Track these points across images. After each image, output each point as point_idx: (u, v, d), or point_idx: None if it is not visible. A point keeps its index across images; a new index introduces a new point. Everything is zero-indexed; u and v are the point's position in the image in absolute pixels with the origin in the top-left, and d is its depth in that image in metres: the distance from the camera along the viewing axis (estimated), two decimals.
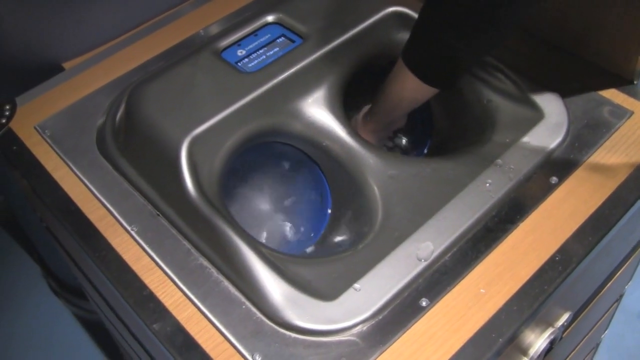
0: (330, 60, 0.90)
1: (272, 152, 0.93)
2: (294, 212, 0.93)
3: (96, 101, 0.96)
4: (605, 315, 1.29)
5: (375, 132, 0.96)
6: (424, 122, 1.03)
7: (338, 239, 0.86)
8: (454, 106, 0.95)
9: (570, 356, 1.19)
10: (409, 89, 0.83)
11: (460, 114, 0.94)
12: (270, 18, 0.97)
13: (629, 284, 1.27)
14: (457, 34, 0.73)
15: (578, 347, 1.22)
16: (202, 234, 0.76)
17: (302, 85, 0.88)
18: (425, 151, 1.02)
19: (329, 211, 0.89)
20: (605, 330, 1.43)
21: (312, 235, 0.90)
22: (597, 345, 1.51)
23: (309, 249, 0.89)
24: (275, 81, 0.86)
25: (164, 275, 0.75)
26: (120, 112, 0.89)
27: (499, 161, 0.81)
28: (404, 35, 0.94)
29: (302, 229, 0.92)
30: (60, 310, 1.79)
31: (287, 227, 0.93)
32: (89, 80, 1.00)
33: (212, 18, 1.08)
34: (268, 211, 0.93)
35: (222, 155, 0.82)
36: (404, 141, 1.04)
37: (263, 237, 0.91)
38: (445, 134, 0.99)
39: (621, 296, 1.31)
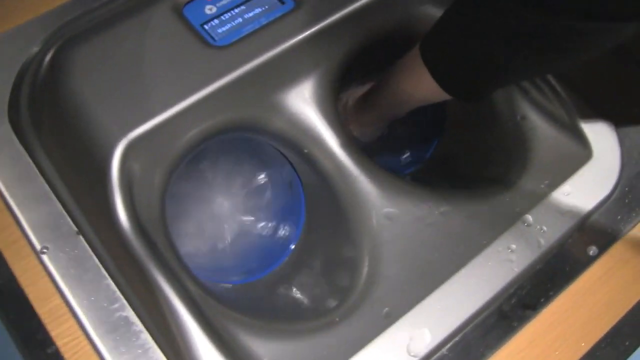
0: (328, 38, 0.68)
1: (241, 147, 0.72)
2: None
3: (22, 38, 0.72)
4: None
5: (370, 125, 0.76)
6: (435, 115, 0.82)
7: (302, 280, 0.68)
8: (476, 111, 0.75)
9: None
10: (422, 89, 0.63)
11: (483, 124, 0.74)
12: None
13: None
14: (508, 47, 0.52)
15: None
16: (130, 278, 0.58)
17: (287, 70, 0.66)
18: (429, 155, 0.82)
19: (292, 246, 0.71)
20: None
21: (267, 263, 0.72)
22: None
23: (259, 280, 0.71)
24: (252, 64, 0.64)
25: (77, 327, 0.57)
26: (42, 71, 0.66)
27: (529, 218, 0.63)
28: (428, 10, 0.72)
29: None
30: None
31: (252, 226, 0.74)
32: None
33: None
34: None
35: (170, 163, 0.62)
36: (400, 130, 0.83)
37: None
38: (459, 141, 0.79)
39: None
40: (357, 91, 0.77)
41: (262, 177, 0.74)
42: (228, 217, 0.72)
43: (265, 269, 0.70)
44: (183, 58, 0.63)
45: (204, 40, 0.65)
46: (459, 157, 0.77)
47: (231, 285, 0.69)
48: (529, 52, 0.52)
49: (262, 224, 0.73)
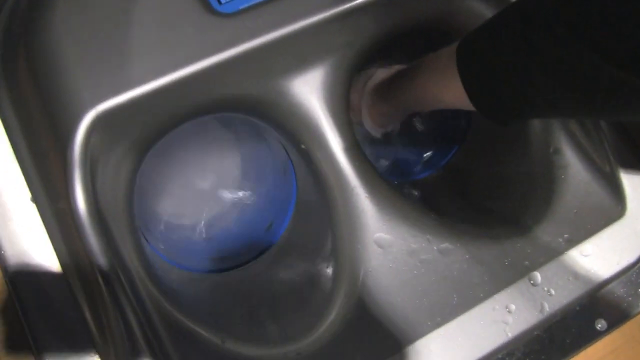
0: (352, 21, 0.58)
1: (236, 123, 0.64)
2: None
3: None
4: None
5: (386, 116, 0.67)
6: (459, 119, 0.73)
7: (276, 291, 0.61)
8: (504, 131, 0.66)
9: None
10: (451, 95, 0.55)
11: (509, 144, 0.65)
12: None
13: None
14: (564, 89, 0.45)
15: None
16: (79, 267, 0.52)
17: (298, 53, 0.57)
18: (443, 163, 0.73)
19: (274, 240, 0.64)
20: None
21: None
22: None
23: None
24: (259, 41, 0.55)
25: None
26: (18, 12, 0.57)
27: (537, 276, 0.55)
28: (471, 3, 0.62)
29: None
30: None
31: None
32: None
33: None
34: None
35: (145, 140, 0.54)
36: (419, 126, 0.74)
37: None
38: (479, 157, 0.70)
39: None
40: (378, 75, 0.68)
41: (256, 155, 0.66)
42: (209, 193, 0.64)
43: (241, 260, 0.63)
44: (180, 21, 0.54)
45: (207, 3, 0.55)
46: (474, 176, 0.68)
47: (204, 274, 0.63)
48: (587, 100, 0.44)
49: (247, 202, 0.65)
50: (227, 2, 0.56)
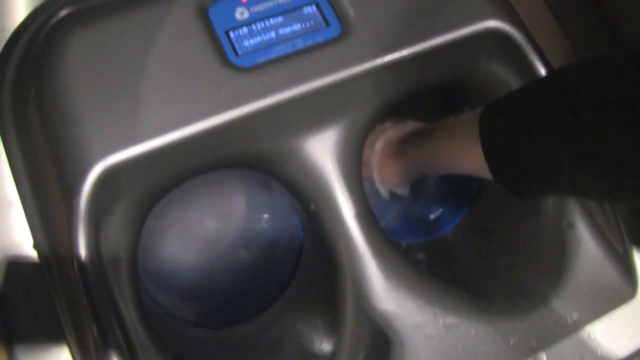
0: (372, 81, 0.57)
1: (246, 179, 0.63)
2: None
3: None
4: None
5: (397, 175, 0.66)
6: (471, 183, 0.71)
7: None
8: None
9: None
10: (470, 163, 0.53)
11: (521, 214, 0.64)
12: None
13: None
14: (596, 176, 0.43)
15: None
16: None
17: (313, 112, 0.56)
18: (451, 227, 0.72)
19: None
20: None
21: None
22: None
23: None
24: (274, 99, 0.53)
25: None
26: (34, 47, 0.56)
27: (543, 357, 0.54)
28: (494, 67, 0.61)
29: None
30: None
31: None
32: None
33: None
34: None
35: (153, 194, 0.53)
36: (430, 186, 0.73)
37: None
38: (488, 223, 0.69)
39: None
40: (392, 132, 0.66)
41: (264, 212, 0.65)
42: (214, 249, 0.63)
43: (238, 318, 0.62)
44: (194, 73, 0.53)
45: (224, 54, 0.54)
46: (482, 243, 0.67)
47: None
48: (613, 183, 0.43)
49: (250, 261, 0.64)
50: (244, 55, 0.55)
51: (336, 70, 0.54)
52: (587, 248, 0.58)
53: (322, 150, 0.56)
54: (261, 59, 0.55)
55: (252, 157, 0.56)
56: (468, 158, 0.52)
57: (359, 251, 0.56)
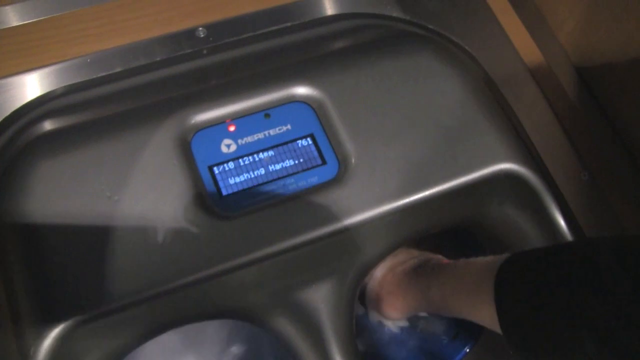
0: (371, 231, 0.50)
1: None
2: None
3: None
4: None
5: (398, 311, 0.60)
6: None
7: None
8: None
9: None
10: (479, 317, 0.48)
11: None
12: (301, 91, 0.53)
13: None
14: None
15: None
16: None
17: (304, 267, 0.49)
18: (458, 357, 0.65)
19: None
20: None
21: None
22: None
23: None
24: (261, 253, 0.47)
25: None
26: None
27: None
28: (506, 210, 0.55)
29: None
30: None
31: None
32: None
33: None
34: None
35: (121, 350, 0.46)
36: (431, 321, 0.67)
37: None
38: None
39: None
40: (392, 262, 0.60)
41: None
42: None
43: None
44: (171, 221, 0.46)
45: (205, 198, 0.48)
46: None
47: None
48: None
49: None
50: (228, 196, 0.49)
51: (332, 221, 0.48)
52: None
53: (313, 303, 0.50)
54: (247, 204, 0.48)
55: (237, 309, 0.50)
56: (478, 315, 0.48)
57: None
